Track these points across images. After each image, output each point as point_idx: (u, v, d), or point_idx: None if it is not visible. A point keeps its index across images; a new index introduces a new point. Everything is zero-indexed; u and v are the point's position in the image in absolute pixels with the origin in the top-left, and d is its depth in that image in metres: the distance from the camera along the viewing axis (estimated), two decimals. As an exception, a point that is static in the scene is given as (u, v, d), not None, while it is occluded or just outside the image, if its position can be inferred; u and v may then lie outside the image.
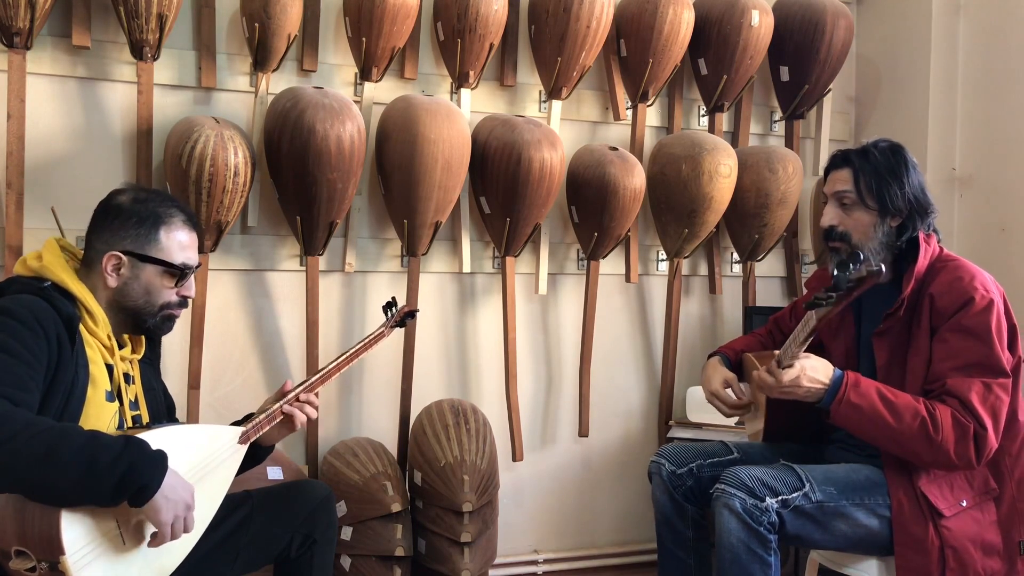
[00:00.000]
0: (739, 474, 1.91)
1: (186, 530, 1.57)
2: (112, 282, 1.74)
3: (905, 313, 1.95)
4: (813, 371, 1.86)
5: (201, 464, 1.68)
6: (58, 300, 1.65)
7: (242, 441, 1.80)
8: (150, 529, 1.56)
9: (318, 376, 1.96)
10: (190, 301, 1.84)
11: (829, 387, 1.86)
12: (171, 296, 1.79)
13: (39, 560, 1.44)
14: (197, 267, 1.83)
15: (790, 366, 1.85)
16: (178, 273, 1.78)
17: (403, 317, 2.23)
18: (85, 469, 1.44)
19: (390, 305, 2.22)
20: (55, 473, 1.42)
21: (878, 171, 1.98)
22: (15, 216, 2.27)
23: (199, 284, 2.44)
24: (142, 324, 1.79)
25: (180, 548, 1.65)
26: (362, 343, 2.08)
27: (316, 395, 1.95)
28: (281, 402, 1.87)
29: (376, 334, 2.12)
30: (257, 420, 1.83)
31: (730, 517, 1.87)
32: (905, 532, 1.88)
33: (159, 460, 1.52)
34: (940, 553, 1.85)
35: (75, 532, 1.46)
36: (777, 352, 1.90)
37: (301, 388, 1.91)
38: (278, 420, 1.87)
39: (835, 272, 1.65)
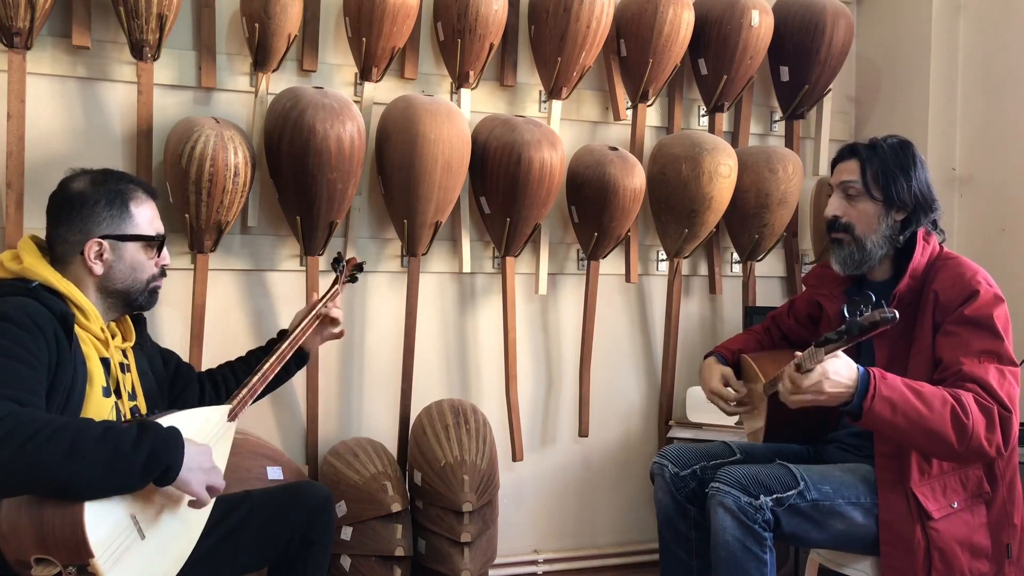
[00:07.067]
0: (733, 472, 1.91)
1: (217, 489, 1.62)
2: (98, 269, 1.74)
3: (907, 311, 1.92)
4: (836, 373, 1.72)
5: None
6: (49, 299, 1.64)
7: (231, 419, 1.84)
8: (167, 513, 1.59)
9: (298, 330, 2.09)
10: (167, 269, 1.88)
11: (857, 386, 1.74)
12: (153, 268, 1.82)
13: (66, 565, 1.44)
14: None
15: (810, 370, 1.73)
16: (156, 244, 1.81)
17: (352, 271, 2.31)
18: (109, 459, 1.45)
19: (338, 261, 2.28)
20: (81, 467, 1.43)
21: (885, 163, 1.98)
22: (15, 216, 2.27)
23: (199, 284, 2.45)
24: (132, 303, 1.81)
25: (194, 531, 1.68)
26: (320, 302, 2.15)
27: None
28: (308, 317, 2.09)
29: (331, 292, 2.19)
30: (240, 396, 1.88)
31: (725, 515, 1.87)
32: (891, 532, 1.87)
33: (175, 437, 1.54)
34: (926, 554, 1.84)
35: (100, 532, 1.46)
36: (798, 353, 1.80)
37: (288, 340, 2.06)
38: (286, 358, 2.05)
39: (846, 314, 1.61)
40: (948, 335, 1.87)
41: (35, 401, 1.52)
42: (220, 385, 2.09)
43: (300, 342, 2.09)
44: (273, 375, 2.01)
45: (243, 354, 2.17)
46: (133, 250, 1.78)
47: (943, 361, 1.86)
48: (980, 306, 1.85)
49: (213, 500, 1.64)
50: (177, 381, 2.00)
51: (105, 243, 1.74)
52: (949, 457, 1.84)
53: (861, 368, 1.77)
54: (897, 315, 1.57)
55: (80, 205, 1.75)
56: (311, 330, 2.12)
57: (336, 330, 2.20)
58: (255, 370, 1.96)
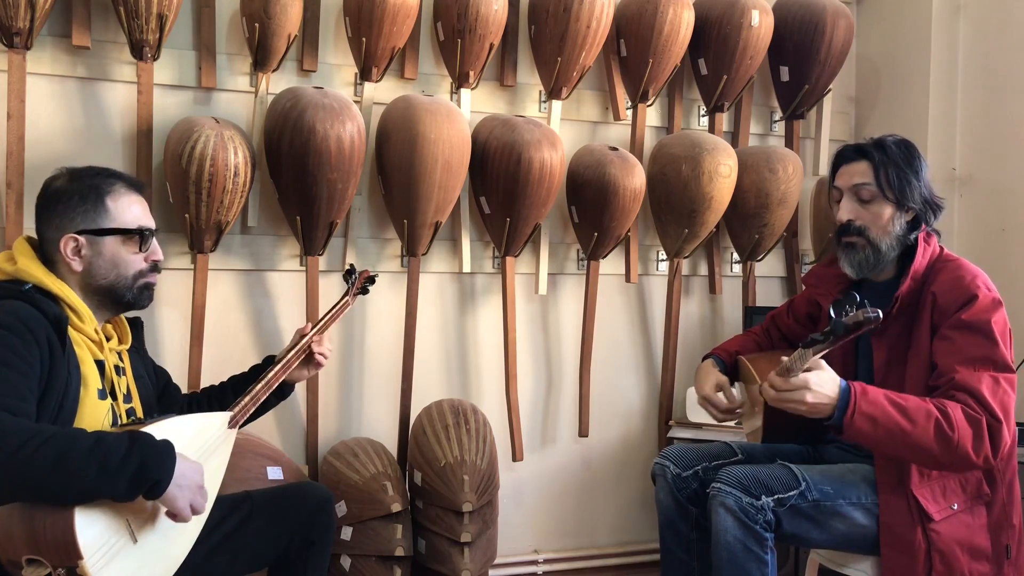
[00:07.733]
0: (734, 473, 1.91)
1: (198, 511, 1.59)
2: (77, 266, 1.71)
3: (905, 312, 1.93)
4: (819, 385, 1.73)
5: (198, 453, 1.69)
6: (43, 302, 1.63)
7: (231, 426, 1.82)
8: (162, 516, 1.57)
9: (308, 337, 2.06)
10: (160, 265, 1.83)
11: (838, 402, 1.74)
12: (140, 263, 1.77)
13: (55, 567, 1.44)
14: (155, 231, 1.81)
15: (798, 372, 1.73)
16: (138, 237, 1.76)
17: (364, 283, 2.28)
18: (97, 472, 1.44)
19: (350, 273, 2.25)
20: (68, 479, 1.42)
21: (897, 164, 1.96)
22: (15, 216, 2.27)
23: (199, 284, 2.45)
24: (121, 299, 1.76)
25: (188, 536, 1.67)
26: (329, 315, 2.12)
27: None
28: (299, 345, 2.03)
29: (341, 303, 2.17)
30: (243, 403, 1.86)
31: (726, 515, 1.87)
32: (892, 534, 1.86)
33: (167, 451, 1.53)
34: (927, 556, 1.83)
35: (90, 534, 1.46)
36: (784, 357, 1.80)
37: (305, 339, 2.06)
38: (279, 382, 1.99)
39: (832, 315, 1.61)
40: (944, 340, 1.85)
41: (26, 408, 1.50)
42: (204, 408, 2.03)
43: (305, 348, 2.05)
44: (278, 383, 1.98)
45: (226, 379, 2.12)
46: (112, 244, 1.73)
47: (938, 367, 1.85)
48: (978, 311, 1.84)
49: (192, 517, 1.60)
50: (163, 399, 1.98)
51: (81, 238, 1.71)
52: (935, 467, 1.84)
53: (843, 383, 1.76)
54: (880, 315, 1.57)
55: (55, 202, 1.73)
56: (333, 323, 2.11)
57: (319, 361, 2.09)
58: (260, 378, 1.94)
